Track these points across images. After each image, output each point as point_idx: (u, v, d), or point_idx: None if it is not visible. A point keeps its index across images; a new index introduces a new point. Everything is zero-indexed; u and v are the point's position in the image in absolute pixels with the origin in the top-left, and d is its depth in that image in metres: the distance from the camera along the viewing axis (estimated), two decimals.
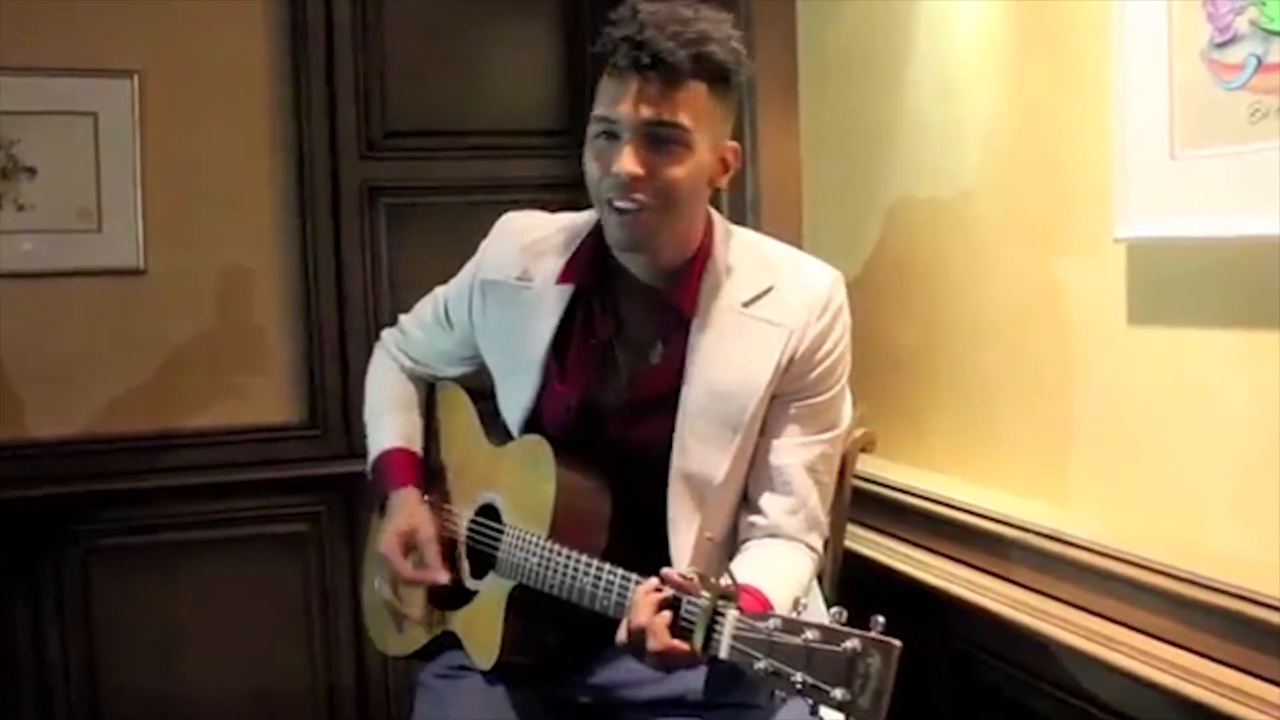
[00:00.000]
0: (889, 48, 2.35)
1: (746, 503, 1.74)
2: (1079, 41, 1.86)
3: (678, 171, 1.61)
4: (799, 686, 1.28)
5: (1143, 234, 1.71)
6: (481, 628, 1.75)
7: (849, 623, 1.30)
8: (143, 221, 2.86)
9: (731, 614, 1.38)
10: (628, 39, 1.58)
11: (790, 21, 2.70)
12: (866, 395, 2.43)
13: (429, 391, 2.05)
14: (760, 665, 1.32)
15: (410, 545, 1.83)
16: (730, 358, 1.69)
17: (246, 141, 2.96)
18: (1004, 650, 1.92)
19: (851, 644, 1.26)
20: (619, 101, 1.60)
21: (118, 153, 2.84)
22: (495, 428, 1.89)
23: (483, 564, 1.81)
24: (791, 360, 1.69)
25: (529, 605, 1.70)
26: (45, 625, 2.82)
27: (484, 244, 1.91)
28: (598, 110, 1.63)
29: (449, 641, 1.83)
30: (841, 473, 2.02)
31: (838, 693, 1.25)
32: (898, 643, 1.25)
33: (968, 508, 2.06)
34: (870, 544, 2.24)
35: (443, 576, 1.81)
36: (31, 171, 2.78)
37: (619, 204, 1.62)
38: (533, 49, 3.13)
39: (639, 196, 1.60)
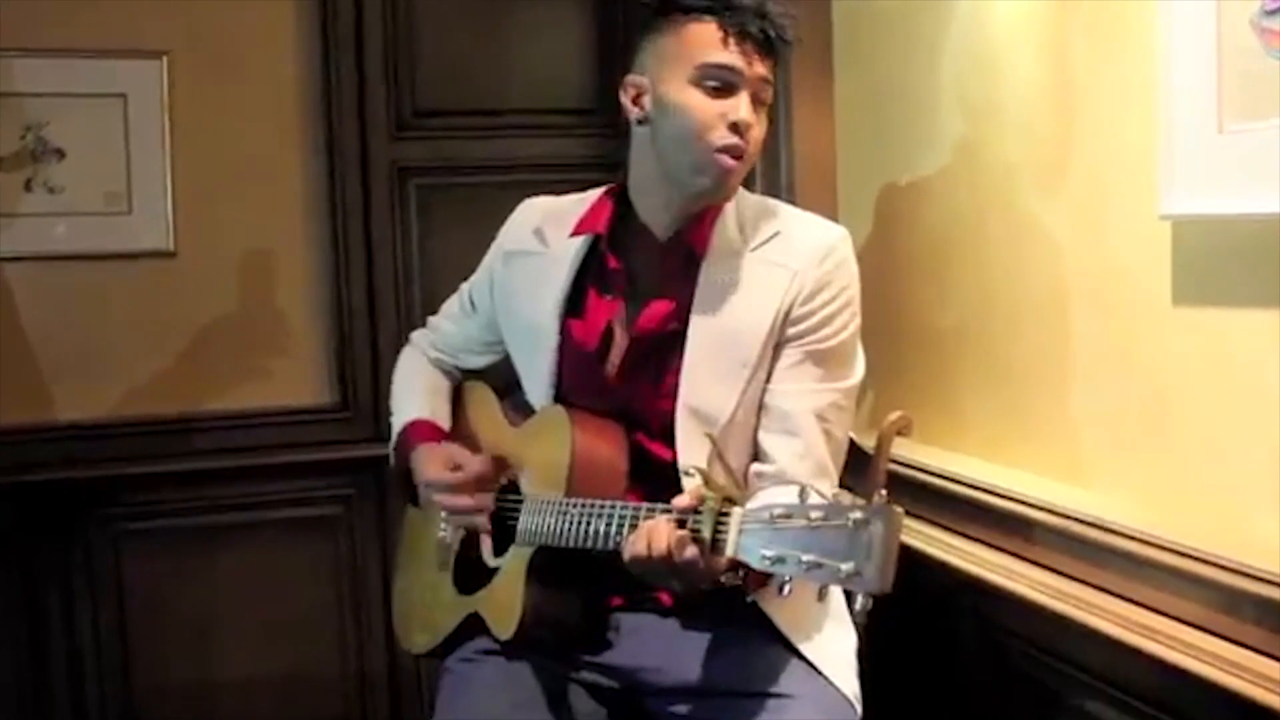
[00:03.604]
0: (926, 20, 2.29)
1: (755, 456, 1.75)
2: (1122, 11, 1.80)
3: (761, 130, 1.74)
4: (805, 566, 1.26)
5: (1188, 210, 1.65)
6: (502, 598, 1.76)
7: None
8: (172, 204, 2.85)
9: (736, 511, 1.39)
10: (753, 10, 1.69)
11: None
12: (902, 377, 2.40)
13: (455, 388, 2.09)
14: (767, 554, 1.31)
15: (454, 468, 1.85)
16: (738, 296, 1.75)
17: (276, 122, 2.95)
18: (1039, 637, 1.87)
19: (854, 514, 1.25)
20: (739, 56, 1.69)
21: (147, 134, 2.82)
22: (520, 417, 1.91)
23: (505, 540, 1.81)
24: (795, 301, 1.74)
25: (549, 571, 1.71)
26: (76, 609, 2.82)
27: (504, 225, 1.99)
28: (712, 58, 1.68)
29: (474, 626, 1.83)
30: (877, 456, 1.99)
31: (845, 566, 1.24)
32: (899, 508, 1.25)
33: (1005, 493, 2.01)
34: (906, 530, 2.19)
35: (479, 465, 1.82)
36: (61, 154, 2.77)
37: (732, 151, 1.69)
38: (564, 27, 3.10)
39: (747, 148, 1.71)
